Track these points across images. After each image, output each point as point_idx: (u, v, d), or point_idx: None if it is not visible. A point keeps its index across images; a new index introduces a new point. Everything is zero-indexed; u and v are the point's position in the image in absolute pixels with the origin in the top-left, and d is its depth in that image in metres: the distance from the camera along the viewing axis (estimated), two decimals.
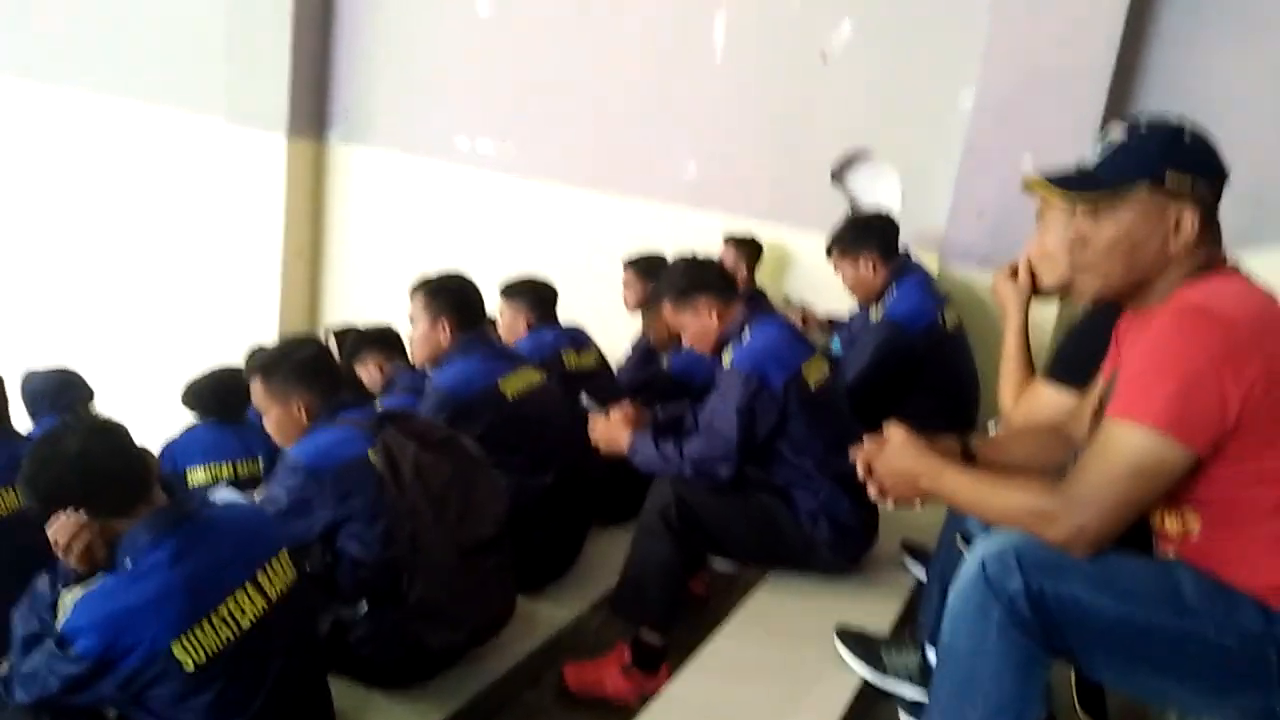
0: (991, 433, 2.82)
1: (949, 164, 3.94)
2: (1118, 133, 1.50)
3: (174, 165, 5.76)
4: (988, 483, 1.56)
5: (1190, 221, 1.46)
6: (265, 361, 2.35)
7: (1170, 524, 1.53)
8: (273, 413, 2.33)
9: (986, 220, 3.75)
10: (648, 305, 3.65)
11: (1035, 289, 2.12)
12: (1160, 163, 1.45)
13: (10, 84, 6.22)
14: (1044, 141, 3.66)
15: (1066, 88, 3.61)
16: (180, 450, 3.25)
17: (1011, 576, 1.42)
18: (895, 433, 1.67)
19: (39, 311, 6.38)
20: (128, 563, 1.70)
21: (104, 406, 3.39)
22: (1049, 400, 1.93)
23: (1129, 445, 1.40)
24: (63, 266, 6.30)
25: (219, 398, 3.23)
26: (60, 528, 1.73)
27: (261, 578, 1.81)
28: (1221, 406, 1.36)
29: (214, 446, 3.24)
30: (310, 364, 2.33)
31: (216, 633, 1.71)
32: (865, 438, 1.73)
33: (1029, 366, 2.09)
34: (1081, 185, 1.48)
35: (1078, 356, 1.90)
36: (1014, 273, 2.14)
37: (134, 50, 5.78)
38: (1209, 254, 1.51)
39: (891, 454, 1.66)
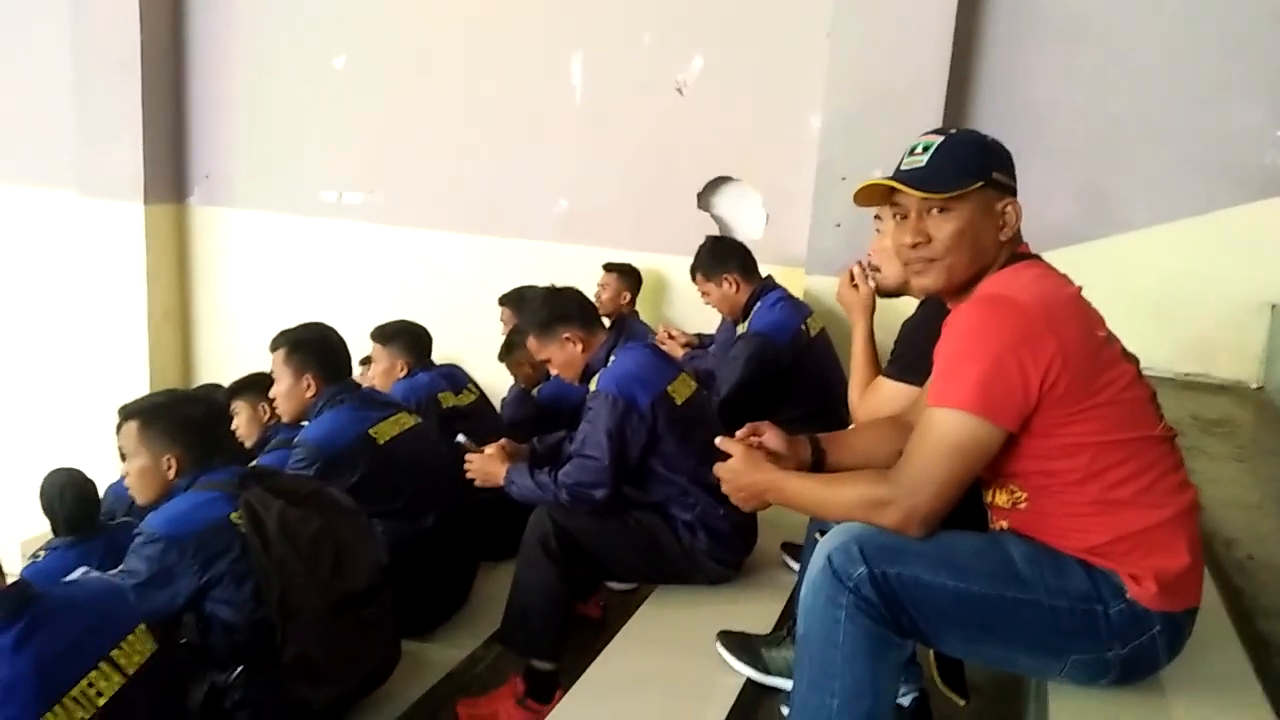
0: None
1: (806, 182, 4.10)
2: (936, 140, 1.60)
3: (28, 242, 5.56)
4: (825, 483, 1.64)
5: (1014, 213, 1.59)
6: (148, 407, 2.28)
7: (1000, 498, 1.62)
8: (139, 461, 2.25)
9: (844, 230, 3.91)
10: (506, 350, 3.68)
11: (881, 291, 2.25)
12: (987, 164, 1.58)
13: None
14: (889, 155, 3.79)
15: (904, 104, 3.81)
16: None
17: (855, 565, 1.49)
18: (734, 448, 1.73)
19: None
20: None
21: None
22: (890, 395, 2.02)
23: (945, 429, 1.48)
24: None
25: (80, 512, 2.91)
26: None
27: (117, 654, 1.75)
28: (1024, 386, 1.46)
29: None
30: (197, 422, 2.28)
31: (70, 715, 1.64)
32: (721, 446, 1.77)
33: (875, 365, 2.19)
34: (930, 186, 1.56)
35: (912, 353, 1.99)
36: (852, 278, 2.26)
37: None
38: (1015, 248, 1.63)
39: (735, 470, 1.72)
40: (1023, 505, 1.59)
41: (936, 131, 1.64)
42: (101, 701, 1.69)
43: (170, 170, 5.19)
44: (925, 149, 1.59)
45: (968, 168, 1.57)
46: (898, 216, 1.64)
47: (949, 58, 3.80)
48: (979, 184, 1.56)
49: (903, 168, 1.61)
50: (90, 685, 1.68)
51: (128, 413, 2.27)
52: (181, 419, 2.25)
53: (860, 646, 1.49)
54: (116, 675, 1.73)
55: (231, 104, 5.16)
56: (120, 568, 2.17)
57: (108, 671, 1.72)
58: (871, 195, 1.67)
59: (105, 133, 5.06)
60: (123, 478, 2.65)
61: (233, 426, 3.27)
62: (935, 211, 1.58)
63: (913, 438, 1.54)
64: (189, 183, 5.28)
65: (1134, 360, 1.60)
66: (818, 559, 1.53)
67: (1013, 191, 1.61)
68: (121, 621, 1.81)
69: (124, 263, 5.17)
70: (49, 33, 5.24)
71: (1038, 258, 1.64)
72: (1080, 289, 1.60)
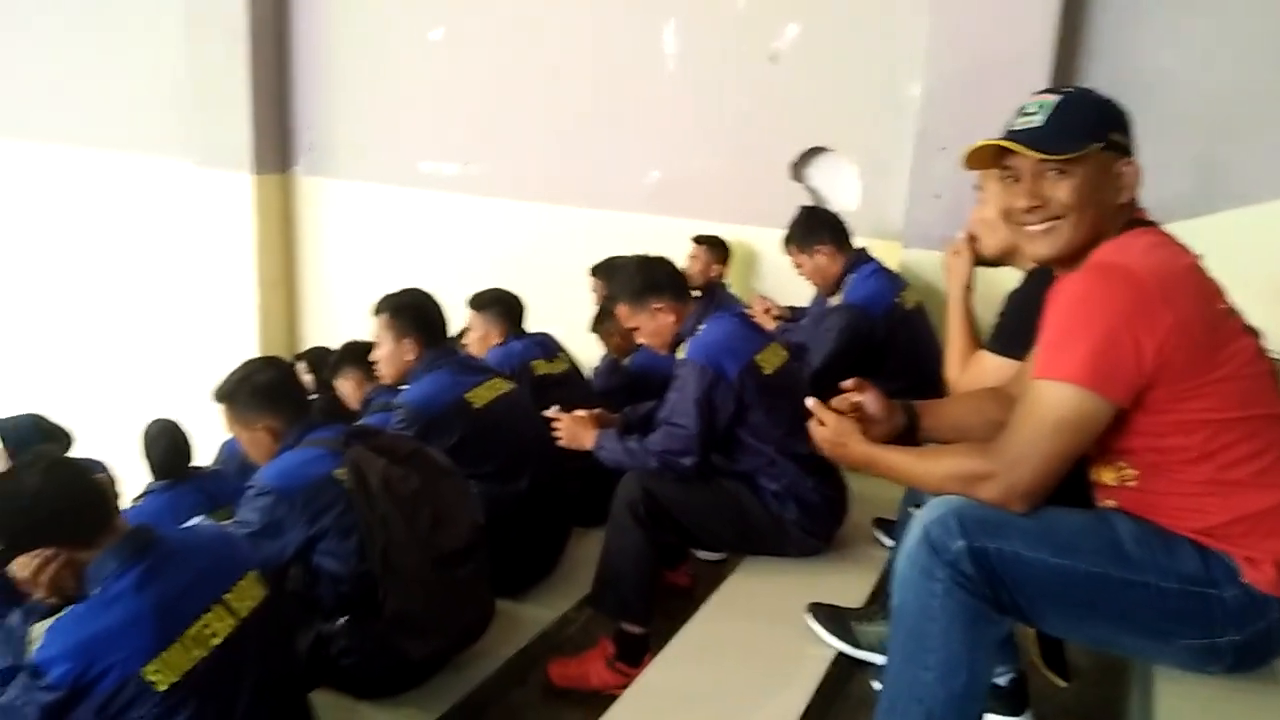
0: None
1: (904, 153, 4.00)
2: (1053, 99, 1.53)
3: (147, 209, 5.83)
4: (921, 455, 1.60)
5: (1132, 174, 1.52)
6: (226, 389, 2.39)
7: (1107, 475, 1.57)
8: (242, 436, 2.40)
9: (943, 202, 3.80)
10: (597, 321, 3.70)
11: (979, 260, 2.20)
12: (1106, 124, 1.52)
13: None
14: (992, 125, 3.68)
15: (1010, 71, 3.65)
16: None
17: (953, 538, 1.46)
18: (828, 418, 1.71)
19: (25, 359, 6.42)
20: (95, 590, 1.73)
21: (88, 451, 3.40)
22: (992, 369, 1.97)
23: (1053, 402, 1.44)
24: (46, 315, 6.35)
25: (170, 460, 3.10)
26: (22, 562, 1.76)
27: (230, 597, 1.84)
28: (1137, 359, 1.40)
29: (182, 514, 3.15)
30: (269, 387, 2.37)
31: (187, 653, 1.73)
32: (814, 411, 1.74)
33: (973, 338, 2.13)
34: (1050, 147, 1.50)
35: (1016, 326, 1.93)
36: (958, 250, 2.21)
37: (102, 102, 5.85)
38: (1130, 213, 1.56)
39: (829, 441, 1.70)
40: (1132, 483, 1.53)
41: (1051, 90, 1.58)
42: (215, 642, 1.78)
43: (276, 141, 5.36)
44: (1040, 108, 1.53)
45: (1087, 128, 1.50)
46: (1009, 180, 1.58)
47: (1057, 23, 3.65)
48: (1099, 145, 1.49)
49: (1016, 128, 1.54)
50: (205, 626, 1.77)
51: (216, 398, 2.40)
52: (254, 390, 2.35)
53: (956, 621, 1.47)
54: (230, 618, 1.81)
55: (333, 76, 5.29)
56: (234, 518, 2.28)
57: (222, 614, 1.81)
58: (978, 159, 1.62)
59: (217, 103, 5.25)
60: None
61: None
62: (1053, 173, 1.51)
63: (1017, 410, 1.50)
64: (294, 153, 5.45)
65: (1256, 334, 1.52)
66: (915, 530, 1.51)
67: (1130, 152, 1.54)
68: (234, 566, 1.90)
69: (235, 231, 5.38)
70: (166, 2, 5.44)
71: (1153, 224, 1.57)
72: (1199, 257, 1.53)
